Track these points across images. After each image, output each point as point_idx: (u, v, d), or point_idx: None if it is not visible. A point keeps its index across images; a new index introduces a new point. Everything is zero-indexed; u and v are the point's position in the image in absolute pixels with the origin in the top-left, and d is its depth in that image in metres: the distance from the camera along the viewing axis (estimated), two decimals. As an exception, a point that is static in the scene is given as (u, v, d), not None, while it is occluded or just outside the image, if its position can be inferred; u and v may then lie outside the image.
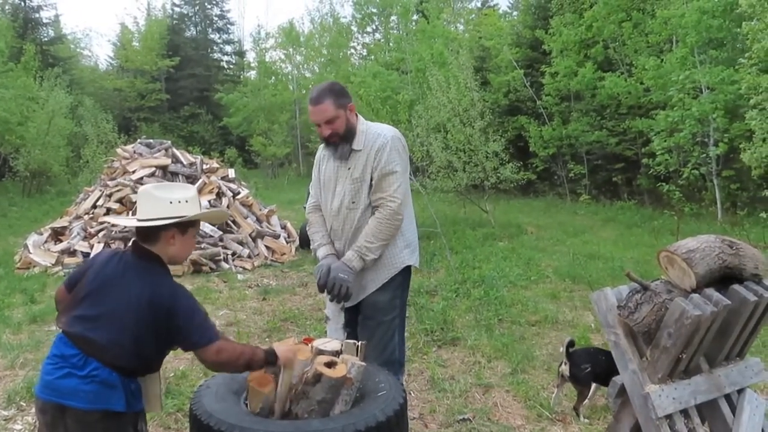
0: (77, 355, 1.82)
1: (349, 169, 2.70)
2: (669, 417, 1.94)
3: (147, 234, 1.95)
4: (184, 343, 1.92)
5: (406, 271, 2.79)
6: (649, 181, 14.59)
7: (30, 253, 8.12)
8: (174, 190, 2.02)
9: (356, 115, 2.71)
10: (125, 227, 8.12)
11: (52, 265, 7.80)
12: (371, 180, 2.66)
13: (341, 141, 2.67)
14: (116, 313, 1.85)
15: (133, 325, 1.83)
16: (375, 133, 2.68)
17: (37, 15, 30.98)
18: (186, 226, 1.99)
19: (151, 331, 1.85)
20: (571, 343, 3.37)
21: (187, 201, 1.98)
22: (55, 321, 2.09)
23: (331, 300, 2.62)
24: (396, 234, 2.67)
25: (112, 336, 1.83)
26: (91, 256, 1.85)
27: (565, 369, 3.32)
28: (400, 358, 2.86)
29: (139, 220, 1.95)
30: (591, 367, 3.23)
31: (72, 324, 1.87)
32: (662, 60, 12.77)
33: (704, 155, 11.91)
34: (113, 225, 7.79)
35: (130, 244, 2.04)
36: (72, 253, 8.03)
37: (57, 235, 8.57)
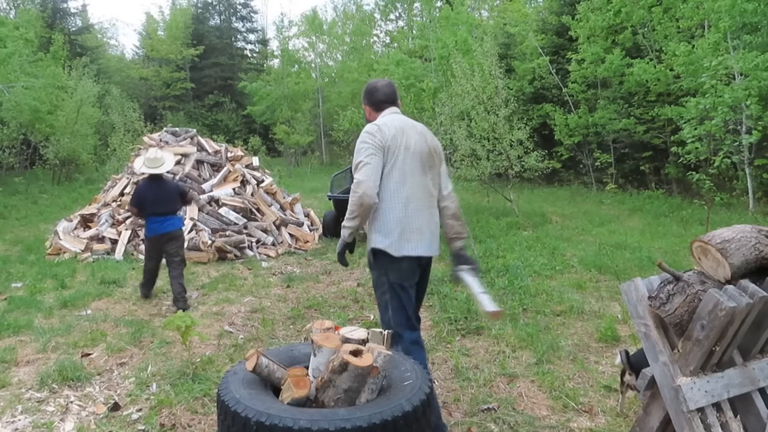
0: (167, 213, 5.70)
1: None
2: (701, 410, 1.91)
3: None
4: (186, 199, 6.05)
5: (379, 254, 2.83)
6: (678, 170, 14.28)
7: (60, 239, 8.30)
8: (157, 152, 5.96)
9: (373, 113, 3.05)
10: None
11: (82, 251, 7.96)
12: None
13: None
14: (171, 195, 5.78)
15: (177, 197, 5.84)
16: None
17: (65, 5, 31.53)
18: None
19: (180, 198, 5.90)
20: (626, 353, 3.11)
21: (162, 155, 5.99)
22: (140, 217, 6.06)
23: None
24: (361, 212, 2.76)
25: (175, 204, 5.83)
26: (138, 192, 5.79)
27: (631, 379, 3.04)
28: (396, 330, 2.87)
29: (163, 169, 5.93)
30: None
31: (158, 208, 5.64)
32: (693, 46, 12.44)
33: (736, 143, 11.60)
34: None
35: (147, 176, 5.86)
36: (101, 239, 8.18)
37: (86, 221, 8.74)
